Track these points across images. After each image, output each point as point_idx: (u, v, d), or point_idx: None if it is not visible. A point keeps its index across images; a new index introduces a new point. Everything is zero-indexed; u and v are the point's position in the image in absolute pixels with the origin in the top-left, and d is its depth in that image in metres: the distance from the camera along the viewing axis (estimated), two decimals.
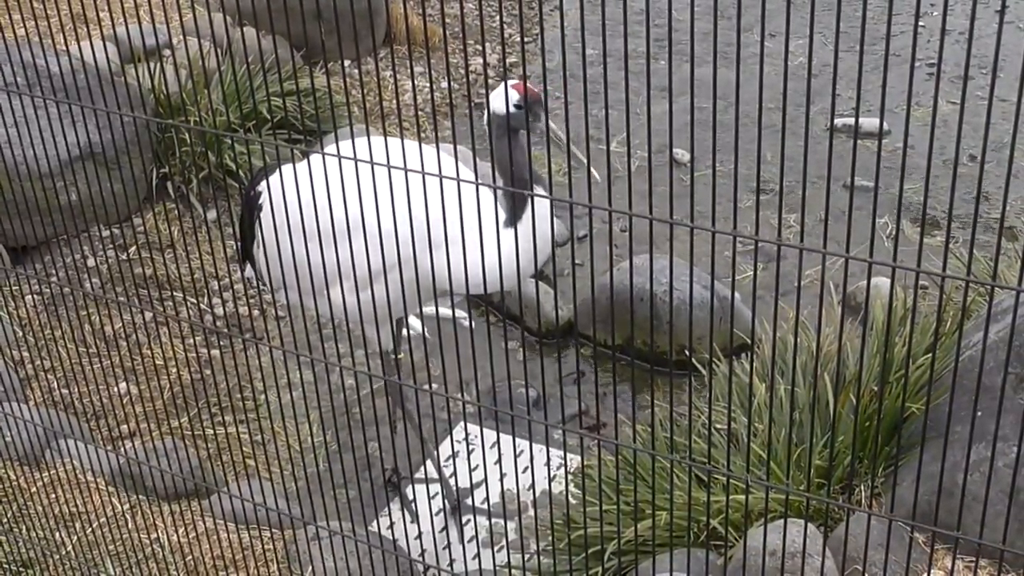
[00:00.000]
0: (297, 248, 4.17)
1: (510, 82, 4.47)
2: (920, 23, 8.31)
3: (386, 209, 2.89)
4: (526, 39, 9.95)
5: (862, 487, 4.49)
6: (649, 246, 2.57)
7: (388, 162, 2.77)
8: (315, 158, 2.84)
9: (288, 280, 4.57)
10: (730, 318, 6.02)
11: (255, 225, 4.91)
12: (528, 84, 4.46)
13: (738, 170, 2.26)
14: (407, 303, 4.59)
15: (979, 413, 4.27)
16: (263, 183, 4.81)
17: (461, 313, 4.67)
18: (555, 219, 6.96)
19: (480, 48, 9.59)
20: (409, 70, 8.84)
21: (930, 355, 4.72)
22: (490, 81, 9.25)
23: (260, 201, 4.86)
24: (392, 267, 4.52)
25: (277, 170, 4.14)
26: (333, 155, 2.79)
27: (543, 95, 4.41)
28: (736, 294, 6.27)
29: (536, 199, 4.24)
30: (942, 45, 2.08)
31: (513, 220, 4.45)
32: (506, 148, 4.41)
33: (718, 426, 4.73)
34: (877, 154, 2.29)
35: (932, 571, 4.01)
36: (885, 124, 8.11)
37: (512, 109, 4.41)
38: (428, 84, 8.49)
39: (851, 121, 8.25)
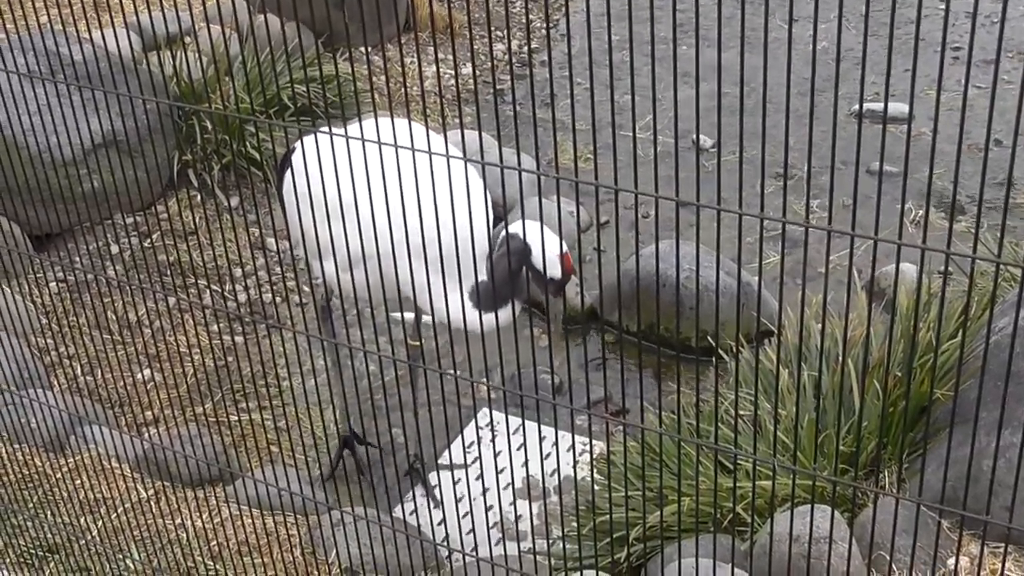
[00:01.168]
0: (304, 218, 4.18)
1: (565, 250, 4.59)
2: (945, 6, 8.30)
3: (368, 202, 2.88)
4: (549, 25, 9.94)
5: (887, 473, 4.47)
6: (675, 230, 2.56)
7: (377, 168, 2.76)
8: (325, 135, 2.82)
9: (309, 248, 4.70)
10: (757, 304, 5.99)
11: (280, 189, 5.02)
12: (569, 261, 4.63)
13: (764, 155, 2.24)
14: (387, 295, 4.72)
15: (1007, 398, 4.25)
16: (296, 146, 4.85)
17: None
18: (576, 205, 6.98)
19: (502, 34, 9.57)
20: (429, 56, 8.82)
21: (955, 340, 4.70)
22: (513, 68, 9.24)
23: (286, 166, 4.95)
24: (370, 258, 4.58)
25: (309, 136, 4.18)
26: (340, 134, 2.77)
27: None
28: (756, 279, 6.25)
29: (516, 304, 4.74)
30: (973, 29, 2.05)
31: (489, 308, 4.70)
32: (506, 272, 4.63)
33: (743, 412, 4.72)
34: (907, 139, 2.27)
35: (958, 557, 3.99)
36: (904, 108, 8.08)
37: (553, 274, 4.59)
38: (452, 70, 8.49)
39: (875, 106, 8.21)
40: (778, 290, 6.18)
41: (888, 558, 3.91)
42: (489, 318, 4.68)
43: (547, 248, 4.52)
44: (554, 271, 4.57)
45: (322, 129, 2.83)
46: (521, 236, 4.61)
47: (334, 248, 4.06)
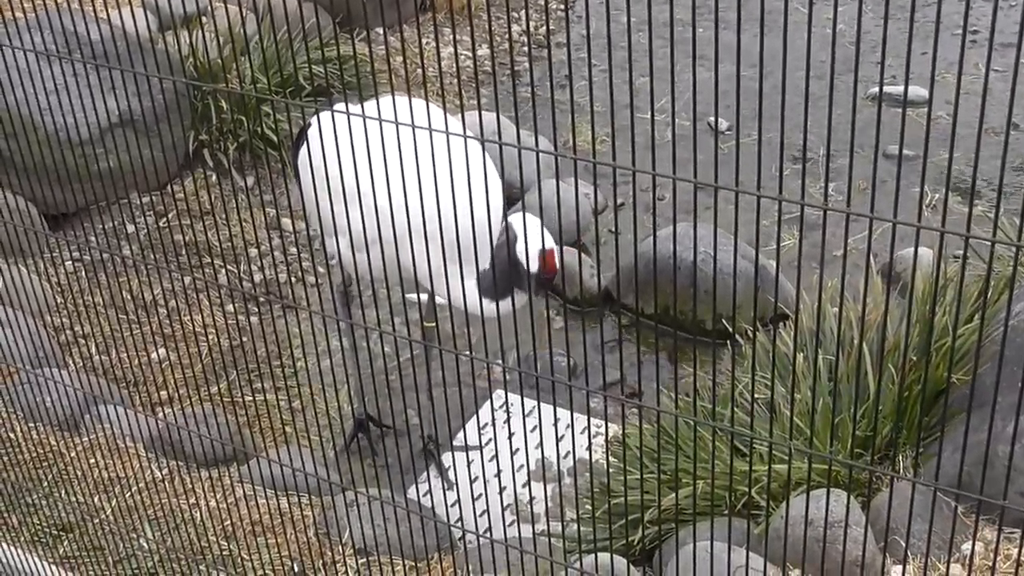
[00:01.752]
0: (320, 195, 4.16)
1: (547, 246, 4.55)
2: None
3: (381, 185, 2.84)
4: (568, 6, 9.91)
5: (902, 457, 4.46)
6: (693, 211, 2.55)
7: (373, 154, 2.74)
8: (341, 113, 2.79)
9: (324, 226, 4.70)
10: (775, 287, 5.98)
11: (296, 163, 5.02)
12: (552, 258, 4.58)
13: (783, 137, 2.22)
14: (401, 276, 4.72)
15: None
16: (313, 121, 4.83)
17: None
18: (594, 187, 6.96)
19: (519, 15, 9.55)
20: (446, 37, 8.80)
21: (972, 325, 4.68)
22: (524, 48, 9.21)
23: (302, 141, 4.95)
24: (384, 240, 4.58)
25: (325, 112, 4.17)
26: (356, 113, 2.73)
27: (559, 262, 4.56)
28: (772, 262, 6.23)
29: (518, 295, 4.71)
30: (995, 12, 2.04)
31: (495, 297, 4.72)
32: (504, 257, 4.63)
33: (758, 396, 4.71)
34: (927, 122, 2.25)
35: (974, 542, 3.98)
36: (926, 92, 8.04)
37: (533, 269, 4.55)
38: (469, 52, 8.47)
39: (892, 89, 8.17)
40: (795, 274, 6.18)
41: (903, 543, 3.91)
42: (492, 307, 4.67)
43: (529, 241, 4.49)
44: (533, 265, 4.54)
45: (338, 106, 2.81)
46: (513, 226, 4.59)
47: (350, 228, 4.05)
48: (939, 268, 3.76)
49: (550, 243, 4.56)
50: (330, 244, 5.03)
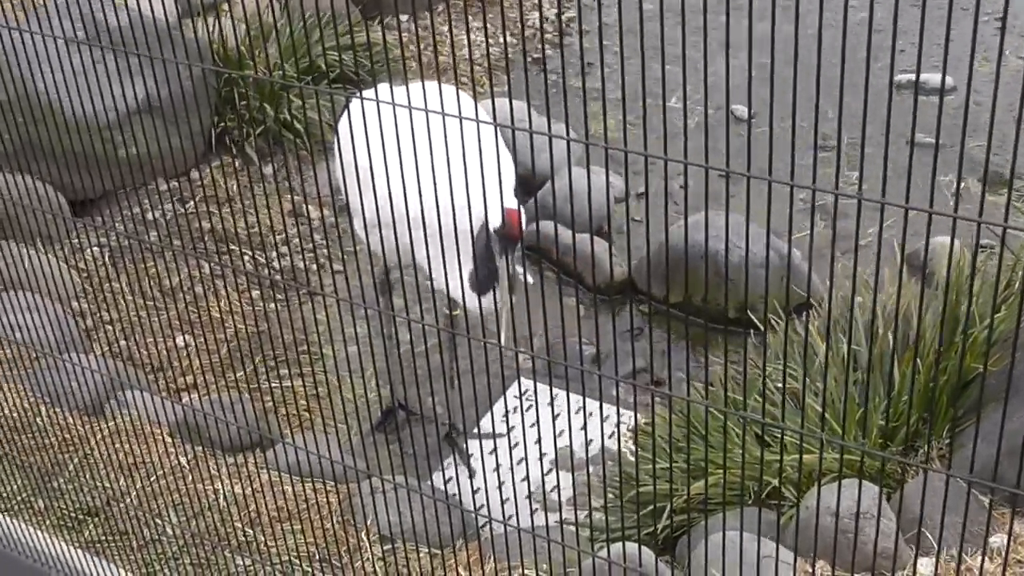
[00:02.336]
0: (348, 177, 4.15)
1: (508, 207, 4.46)
2: None
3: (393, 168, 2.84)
4: None
5: (923, 448, 4.45)
6: (705, 202, 2.54)
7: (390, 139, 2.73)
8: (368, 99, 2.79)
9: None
10: (786, 274, 5.96)
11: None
12: (519, 218, 4.45)
13: (795, 124, 2.22)
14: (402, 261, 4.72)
15: None
16: (353, 102, 4.80)
17: (520, 269, 4.68)
18: (613, 175, 6.96)
19: (537, 2, 9.54)
20: (463, 24, 8.78)
21: (1000, 315, 4.66)
22: (548, 36, 9.20)
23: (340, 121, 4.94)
24: (384, 226, 4.59)
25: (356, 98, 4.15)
26: (384, 100, 2.72)
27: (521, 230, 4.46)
28: (795, 251, 6.21)
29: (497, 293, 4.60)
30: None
31: (478, 291, 4.65)
32: (483, 246, 4.54)
33: (778, 385, 4.70)
34: (964, 112, 2.24)
35: (997, 533, 3.97)
36: (950, 80, 8.01)
37: (491, 228, 4.46)
38: (488, 39, 8.46)
39: (912, 76, 8.13)
40: (817, 262, 6.17)
41: (927, 534, 3.89)
42: (475, 300, 4.64)
43: (496, 200, 4.40)
44: (496, 221, 4.44)
45: (367, 93, 2.81)
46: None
47: (363, 209, 4.07)
48: (952, 256, 3.74)
49: (517, 204, 4.48)
50: (356, 224, 5.04)
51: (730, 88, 2.20)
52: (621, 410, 5.72)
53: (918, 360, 4.48)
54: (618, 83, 7.49)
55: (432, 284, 4.85)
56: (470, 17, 9.14)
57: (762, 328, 5.23)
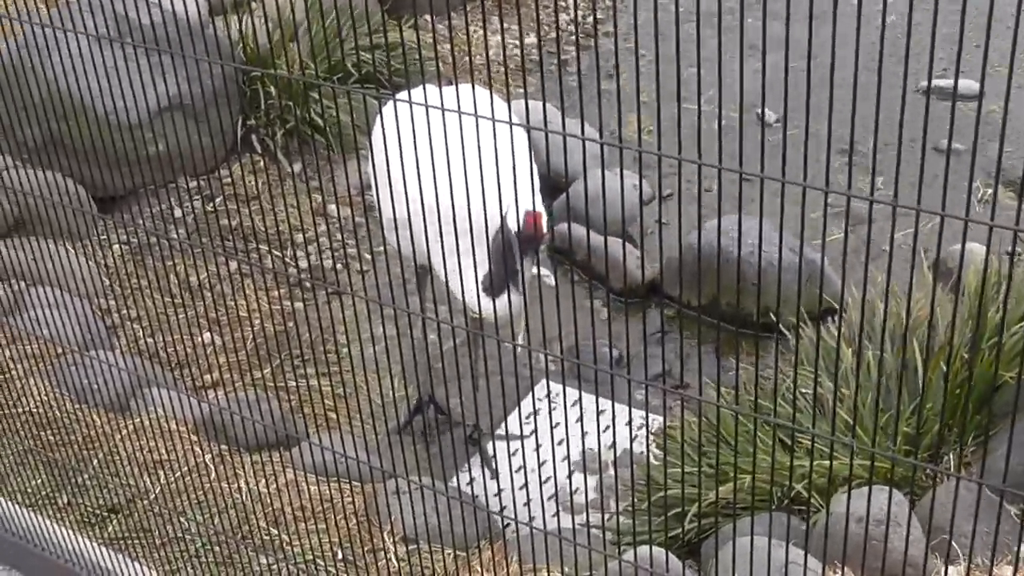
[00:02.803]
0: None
1: (527, 209, 4.41)
2: None
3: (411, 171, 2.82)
4: None
5: (951, 456, 4.42)
6: (739, 205, 2.53)
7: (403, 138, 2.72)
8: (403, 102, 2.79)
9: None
10: (820, 281, 5.94)
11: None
12: (540, 222, 4.41)
13: (831, 130, 2.21)
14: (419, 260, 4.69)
15: None
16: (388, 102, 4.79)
17: (545, 271, 4.67)
18: (641, 178, 6.94)
19: (567, 3, 9.52)
20: (493, 24, 8.77)
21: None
22: (571, 37, 9.18)
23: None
24: (402, 225, 4.58)
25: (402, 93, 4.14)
26: (417, 102, 2.72)
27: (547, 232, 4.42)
28: (818, 255, 6.19)
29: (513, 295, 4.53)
30: None
31: (492, 295, 4.60)
32: (499, 248, 4.50)
33: (803, 390, 4.68)
34: (976, 116, 2.23)
35: None
36: (976, 86, 7.97)
37: (511, 228, 4.43)
38: (516, 40, 8.44)
39: (943, 83, 8.09)
40: (841, 267, 6.14)
41: (955, 544, 3.87)
42: (489, 305, 4.62)
43: (519, 204, 4.36)
44: (513, 225, 4.40)
45: (402, 95, 2.81)
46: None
47: (380, 209, 4.06)
48: (988, 264, 3.72)
49: (539, 207, 4.43)
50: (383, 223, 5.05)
51: (752, 90, 2.19)
52: (644, 413, 5.70)
53: (943, 365, 4.46)
54: (644, 86, 7.51)
55: (448, 287, 4.85)
56: (494, 17, 9.13)
57: (787, 333, 5.21)
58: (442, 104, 2.60)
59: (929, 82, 2.45)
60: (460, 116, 2.58)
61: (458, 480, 5.29)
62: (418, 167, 2.62)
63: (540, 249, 4.48)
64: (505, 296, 4.59)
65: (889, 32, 7.81)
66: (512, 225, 4.39)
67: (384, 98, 2.99)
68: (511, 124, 2.48)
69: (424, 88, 2.71)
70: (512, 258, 4.49)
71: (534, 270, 4.56)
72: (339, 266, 6.61)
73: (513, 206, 4.34)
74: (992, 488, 3.84)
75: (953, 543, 3.90)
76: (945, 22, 8.64)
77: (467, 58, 7.90)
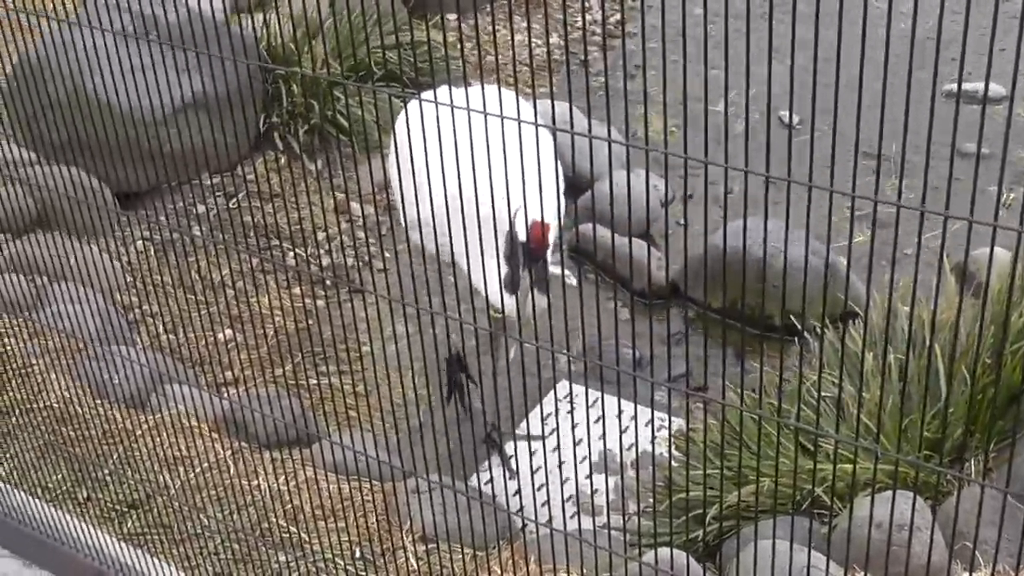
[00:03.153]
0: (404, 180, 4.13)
1: (533, 218, 4.38)
2: None
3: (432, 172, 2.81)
4: None
5: (974, 461, 4.40)
6: (764, 208, 2.51)
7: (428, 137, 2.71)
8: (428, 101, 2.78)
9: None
10: (845, 284, 5.92)
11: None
12: (545, 233, 4.37)
13: (859, 134, 2.19)
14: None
15: None
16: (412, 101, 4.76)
17: (566, 271, 4.66)
18: (661, 178, 6.92)
19: (587, 4, 9.51)
20: (517, 23, 8.76)
21: None
22: (595, 37, 9.17)
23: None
24: (426, 225, 4.57)
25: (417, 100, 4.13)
26: (440, 102, 2.72)
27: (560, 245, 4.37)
28: (840, 259, 6.16)
29: (537, 296, 4.45)
30: None
31: (512, 288, 4.53)
32: (508, 252, 4.47)
33: (825, 394, 4.66)
34: (1007, 120, 2.21)
35: None
36: (1004, 90, 7.94)
37: (520, 238, 4.40)
38: (540, 39, 8.42)
39: (970, 86, 8.06)
40: (865, 271, 6.12)
41: (977, 551, 3.84)
42: (512, 302, 4.58)
43: (528, 211, 4.32)
44: (521, 235, 4.37)
45: (427, 95, 2.81)
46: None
47: (404, 208, 4.04)
48: (1015, 270, 3.70)
49: (549, 217, 4.40)
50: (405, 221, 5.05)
51: (777, 92, 2.18)
52: (663, 415, 5.68)
53: (967, 370, 4.44)
54: (668, 87, 7.47)
55: (471, 283, 4.84)
56: (518, 18, 9.12)
57: (807, 336, 5.19)
58: (468, 104, 2.58)
59: (959, 85, 2.42)
60: (486, 117, 2.57)
61: (478, 479, 5.27)
62: (442, 166, 2.62)
63: (547, 258, 4.46)
64: (528, 295, 4.56)
65: (921, 39, 7.78)
66: (520, 230, 4.36)
67: (407, 97, 2.99)
68: (536, 126, 2.47)
69: (450, 88, 2.69)
70: (520, 262, 4.47)
71: (554, 270, 4.54)
72: (359, 264, 6.61)
73: (522, 210, 4.31)
74: (1016, 495, 3.81)
75: (976, 550, 3.87)
76: (973, 25, 8.61)
77: (491, 57, 7.89)
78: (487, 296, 4.67)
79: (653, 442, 5.40)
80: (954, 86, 8.15)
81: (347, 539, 4.39)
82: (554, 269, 6.03)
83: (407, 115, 4.51)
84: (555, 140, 4.71)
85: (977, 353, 4.39)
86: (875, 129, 2.20)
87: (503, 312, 4.71)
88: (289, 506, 4.52)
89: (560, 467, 5.37)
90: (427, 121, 2.71)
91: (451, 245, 3.23)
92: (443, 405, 5.52)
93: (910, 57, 2.14)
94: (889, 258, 6.26)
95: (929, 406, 4.46)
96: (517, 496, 5.26)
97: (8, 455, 4.58)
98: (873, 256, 5.97)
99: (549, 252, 4.47)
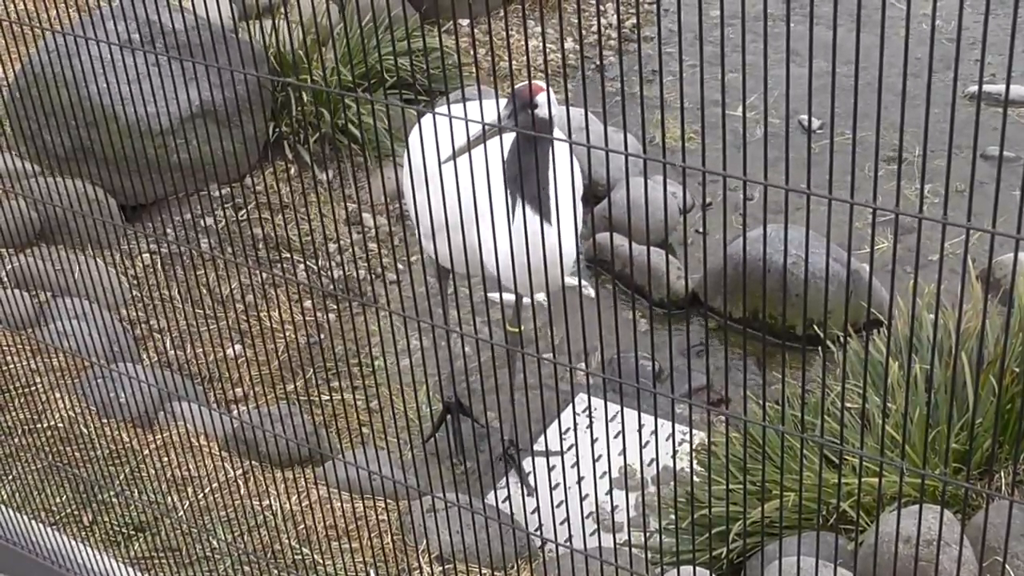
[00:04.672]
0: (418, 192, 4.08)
1: (518, 85, 4.31)
2: None
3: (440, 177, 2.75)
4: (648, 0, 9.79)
5: (1002, 473, 4.31)
6: (784, 217, 2.42)
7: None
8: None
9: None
10: (868, 292, 5.83)
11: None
12: (534, 83, 4.24)
13: (879, 138, 2.10)
14: (468, 268, 4.61)
15: None
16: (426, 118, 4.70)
17: (584, 282, 4.57)
18: (680, 185, 6.82)
19: (602, 8, 9.44)
20: (531, 28, 8.69)
21: None
22: (611, 42, 9.10)
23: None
24: (443, 229, 4.49)
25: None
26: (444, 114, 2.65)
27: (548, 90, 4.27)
28: (867, 267, 6.08)
29: (545, 226, 4.26)
30: None
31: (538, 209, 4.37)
32: (514, 155, 4.27)
33: (849, 405, 4.57)
34: None
35: None
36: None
37: (508, 112, 4.27)
38: (557, 43, 8.35)
39: (992, 88, 7.96)
40: (888, 279, 6.02)
41: (1009, 567, 3.76)
42: (536, 224, 4.42)
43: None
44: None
45: (440, 107, 2.77)
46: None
47: (418, 214, 3.93)
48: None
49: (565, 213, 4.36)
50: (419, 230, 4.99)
51: (796, 96, 2.08)
52: (684, 428, 5.59)
53: (994, 380, 4.34)
54: (686, 92, 7.40)
55: (484, 273, 4.75)
56: (532, 22, 9.04)
57: (827, 345, 5.10)
58: (482, 118, 2.54)
59: (980, 87, 2.31)
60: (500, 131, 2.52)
61: (496, 497, 5.19)
62: (456, 173, 2.59)
63: (546, 107, 4.32)
64: (536, 223, 4.36)
65: (937, 36, 7.68)
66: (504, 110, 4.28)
67: (419, 108, 2.93)
68: (553, 139, 2.40)
69: (464, 102, 2.63)
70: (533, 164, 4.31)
71: (571, 280, 4.46)
72: (371, 277, 6.53)
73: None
74: None
75: (1007, 564, 3.79)
76: (995, 26, 8.52)
77: (504, 63, 7.80)
78: (500, 265, 4.53)
79: (674, 457, 5.30)
80: (975, 88, 8.04)
81: (361, 560, 4.33)
82: (571, 280, 5.94)
83: (420, 128, 4.47)
84: (571, 148, 4.62)
85: (1004, 362, 4.29)
86: (896, 132, 2.11)
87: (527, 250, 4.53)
88: (301, 527, 4.46)
89: (579, 483, 5.29)
90: (441, 134, 2.67)
91: (462, 227, 3.13)
92: (424, 437, 5.45)
93: (930, 59, 2.04)
94: (912, 265, 6.18)
95: (956, 417, 4.38)
96: (535, 514, 5.19)
97: (10, 477, 4.50)
98: (896, 263, 5.90)
99: (545, 104, 4.32)
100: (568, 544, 3.31)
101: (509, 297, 5.29)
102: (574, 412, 5.67)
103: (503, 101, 4.35)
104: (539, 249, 4.00)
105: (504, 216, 4.21)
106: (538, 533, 4.88)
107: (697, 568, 4.15)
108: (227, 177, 6.88)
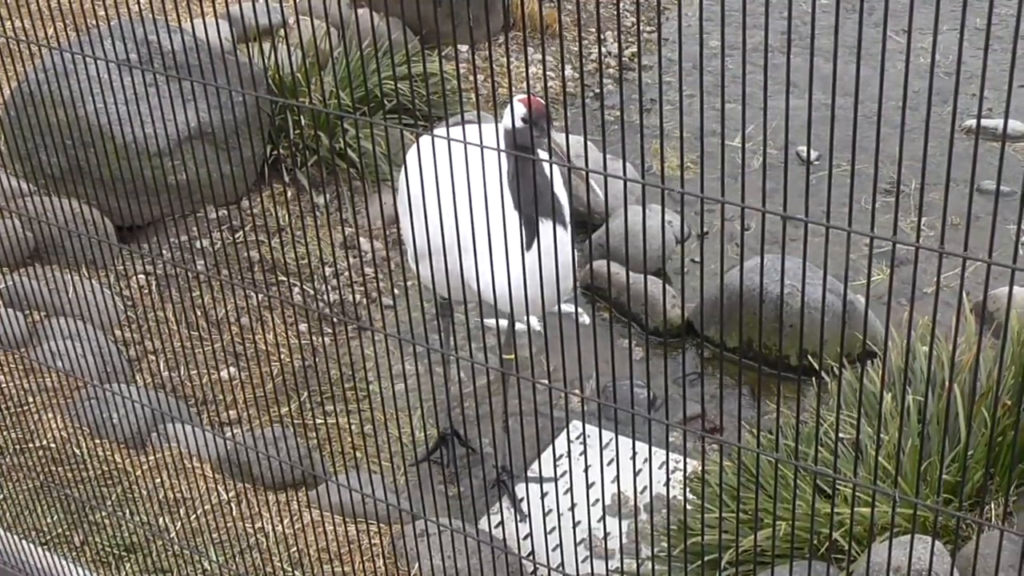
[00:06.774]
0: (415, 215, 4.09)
1: (517, 97, 4.38)
2: None
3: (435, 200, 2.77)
4: (648, 28, 9.80)
5: (993, 504, 4.31)
6: (782, 246, 2.43)
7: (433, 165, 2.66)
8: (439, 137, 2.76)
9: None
10: (863, 324, 5.83)
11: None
12: (534, 98, 4.33)
13: (877, 169, 2.11)
14: (452, 293, 4.66)
15: None
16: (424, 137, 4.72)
17: (579, 309, 4.57)
18: (677, 214, 6.82)
19: (604, 37, 9.45)
20: (530, 56, 8.70)
21: None
22: (611, 70, 9.11)
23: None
24: (436, 252, 4.49)
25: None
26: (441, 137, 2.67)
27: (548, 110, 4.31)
28: (862, 298, 6.08)
29: (557, 228, 4.35)
30: None
31: (528, 244, 4.41)
32: (514, 170, 4.31)
33: (842, 435, 4.57)
34: None
35: None
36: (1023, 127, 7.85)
37: (518, 124, 4.33)
38: (557, 70, 8.36)
39: (989, 123, 7.98)
40: (883, 310, 6.03)
41: None
42: (536, 253, 4.44)
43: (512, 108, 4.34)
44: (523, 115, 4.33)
45: (438, 132, 2.77)
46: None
47: (415, 239, 3.95)
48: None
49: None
50: (409, 255, 5.00)
51: (794, 127, 2.09)
52: (677, 456, 5.58)
53: (986, 412, 4.35)
54: (684, 121, 7.41)
55: (496, 325, 4.76)
56: (531, 49, 9.05)
57: (824, 376, 5.10)
58: (481, 142, 2.55)
59: (978, 121, 2.32)
60: (499, 154, 2.54)
61: (489, 522, 5.17)
62: (454, 194, 2.59)
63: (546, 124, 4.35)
64: (543, 236, 4.42)
65: (935, 70, 7.70)
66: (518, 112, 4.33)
67: (415, 131, 2.96)
68: (552, 163, 2.41)
69: (463, 124, 2.66)
70: (538, 177, 4.34)
71: (567, 308, 4.46)
72: (365, 300, 6.52)
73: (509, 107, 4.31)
74: (1019, 538, 3.75)
75: None
76: (993, 61, 8.53)
77: (503, 89, 7.81)
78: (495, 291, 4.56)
79: (668, 484, 5.30)
80: (973, 122, 8.06)
81: None
82: (567, 307, 5.94)
83: (419, 149, 4.48)
84: (570, 180, 4.65)
85: (997, 394, 4.29)
86: (894, 164, 2.12)
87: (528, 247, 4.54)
88: (293, 549, 4.45)
89: (572, 510, 5.27)
90: (438, 155, 2.68)
91: (459, 253, 3.16)
92: (418, 458, 5.45)
93: (929, 93, 2.05)
94: (907, 297, 6.18)
95: (948, 448, 4.39)
96: (528, 539, 5.17)
97: (1, 497, 4.49)
98: (892, 295, 5.91)
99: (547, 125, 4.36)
100: (560, 570, 3.30)
101: (501, 323, 5.28)
102: (568, 438, 5.65)
103: (506, 111, 4.38)
104: (552, 256, 4.05)
105: (501, 237, 4.22)
106: (530, 559, 4.86)
107: None
108: (223, 199, 6.87)
